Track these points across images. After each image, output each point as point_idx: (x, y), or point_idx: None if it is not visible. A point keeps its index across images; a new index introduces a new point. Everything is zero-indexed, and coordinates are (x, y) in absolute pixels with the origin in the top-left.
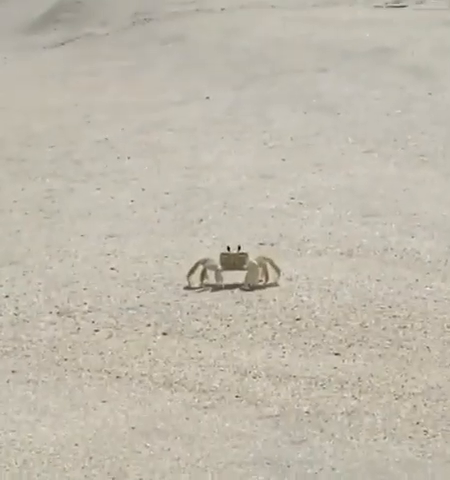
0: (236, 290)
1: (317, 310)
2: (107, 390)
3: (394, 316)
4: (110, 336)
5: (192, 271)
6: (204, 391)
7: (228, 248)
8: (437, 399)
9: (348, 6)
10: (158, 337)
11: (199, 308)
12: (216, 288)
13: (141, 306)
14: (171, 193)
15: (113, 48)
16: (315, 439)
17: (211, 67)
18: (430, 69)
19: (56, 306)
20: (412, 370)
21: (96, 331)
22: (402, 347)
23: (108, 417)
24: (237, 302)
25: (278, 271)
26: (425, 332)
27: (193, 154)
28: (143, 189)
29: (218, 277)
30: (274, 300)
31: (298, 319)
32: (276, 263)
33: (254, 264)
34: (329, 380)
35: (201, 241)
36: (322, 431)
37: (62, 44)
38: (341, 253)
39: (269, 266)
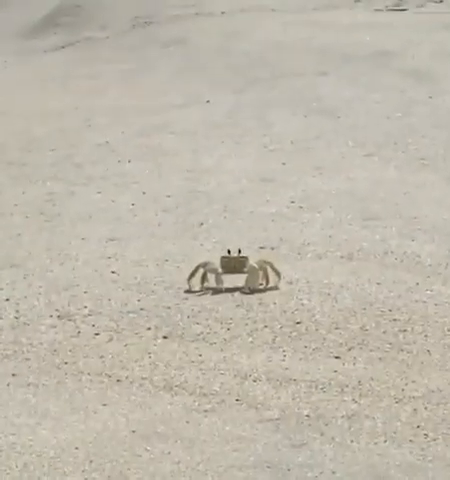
0: (236, 293)
1: (317, 313)
2: (107, 393)
3: (394, 319)
4: (110, 339)
5: (192, 274)
6: (204, 394)
7: (228, 251)
8: (437, 403)
9: (348, 10)
10: (158, 340)
11: (199, 311)
12: (216, 291)
13: (142, 309)
14: (172, 196)
15: (113, 51)
16: (315, 442)
17: (211, 70)
18: (430, 73)
19: (57, 309)
20: (412, 373)
21: (96, 334)
22: (402, 350)
23: (108, 420)
24: (237, 305)
25: (278, 274)
26: (425, 336)
27: (194, 157)
28: (144, 192)
29: (218, 280)
30: (274, 303)
31: (298, 322)
32: (276, 266)
33: (254, 267)
34: (329, 383)
35: (202, 244)
36: (322, 434)
37: (62, 48)
38: (341, 256)
39: (269, 269)
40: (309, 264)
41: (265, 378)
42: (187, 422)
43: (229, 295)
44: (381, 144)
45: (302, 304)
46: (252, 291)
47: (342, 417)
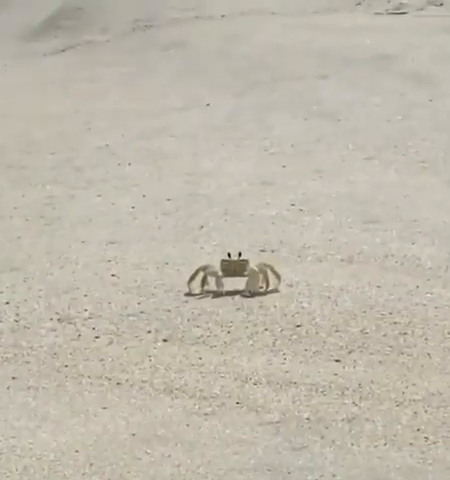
0: (237, 296)
1: (317, 316)
2: (107, 397)
3: (395, 322)
4: (111, 343)
5: (193, 278)
6: (205, 398)
7: (229, 255)
8: (438, 406)
9: (348, 13)
10: (159, 344)
11: (200, 314)
12: (217, 295)
13: (142, 313)
14: (172, 200)
15: (113, 55)
16: (316, 446)
17: (212, 74)
18: (431, 76)
19: (57, 313)
20: (413, 377)
21: (97, 338)
22: (403, 354)
23: (109, 424)
24: (238, 308)
25: (279, 277)
26: (426, 339)
27: (194, 161)
28: (144, 195)
29: (219, 284)
30: (275, 306)
31: (299, 325)
32: (277, 269)
33: (255, 270)
34: (329, 387)
35: (202, 248)
36: (323, 438)
37: (63, 51)
38: (341, 260)
39: (270, 273)
40: (309, 267)
41: (265, 381)
42: (187, 425)
43: (229, 298)
44: (381, 147)
45: (302, 307)
46: (252, 294)
47: (342, 420)
